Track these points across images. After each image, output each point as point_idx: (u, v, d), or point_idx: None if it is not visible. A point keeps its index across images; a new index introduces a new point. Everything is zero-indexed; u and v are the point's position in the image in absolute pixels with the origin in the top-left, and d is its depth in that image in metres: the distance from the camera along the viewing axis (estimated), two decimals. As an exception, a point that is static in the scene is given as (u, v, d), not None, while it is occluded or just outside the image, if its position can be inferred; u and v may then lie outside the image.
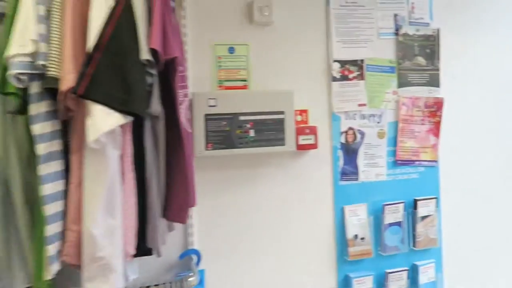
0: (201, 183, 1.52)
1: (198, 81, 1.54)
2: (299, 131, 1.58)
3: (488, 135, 1.87)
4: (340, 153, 1.67)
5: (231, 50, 1.58)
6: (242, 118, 1.50)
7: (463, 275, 1.81)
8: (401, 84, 1.73)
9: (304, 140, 1.59)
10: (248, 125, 1.50)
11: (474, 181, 1.84)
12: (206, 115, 1.46)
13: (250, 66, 1.59)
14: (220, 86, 1.57)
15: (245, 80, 1.59)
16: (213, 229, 1.55)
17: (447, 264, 1.78)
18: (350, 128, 1.68)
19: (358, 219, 1.67)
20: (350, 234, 1.65)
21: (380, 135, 1.71)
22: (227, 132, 1.48)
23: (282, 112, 1.53)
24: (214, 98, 1.48)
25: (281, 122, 1.53)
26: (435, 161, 1.77)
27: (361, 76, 1.68)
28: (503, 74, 1.89)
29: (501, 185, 1.89)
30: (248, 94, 1.54)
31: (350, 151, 1.68)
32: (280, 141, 1.53)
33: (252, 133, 1.50)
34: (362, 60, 1.68)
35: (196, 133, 1.45)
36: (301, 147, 1.58)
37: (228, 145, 1.48)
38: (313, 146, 1.60)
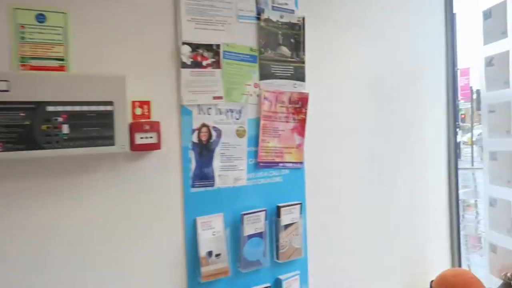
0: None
1: (-15, 56, 1.11)
2: (136, 128, 1.26)
3: (353, 133, 1.78)
4: (191, 155, 1.39)
5: (41, 18, 1.18)
6: (50, 108, 1.12)
7: (329, 284, 1.69)
8: (263, 76, 1.52)
9: (142, 138, 1.27)
10: (60, 119, 1.13)
11: (339, 183, 1.73)
12: (-7, 103, 1.05)
13: (69, 42, 1.21)
14: (23, 65, 1.16)
15: (62, 60, 1.21)
16: (8, 260, 1.13)
17: (313, 274, 1.64)
18: (204, 125, 1.41)
19: (212, 233, 1.41)
20: (203, 251, 1.39)
21: (240, 133, 1.48)
22: (27, 128, 1.09)
23: (110, 103, 1.19)
24: (5, 80, 1.07)
25: (109, 115, 1.19)
26: (301, 162, 1.61)
27: (217, 64, 1.42)
28: (371, 69, 1.83)
29: (367, 186, 1.83)
30: (60, 78, 1.15)
31: (204, 152, 1.41)
32: (108, 140, 1.19)
33: (65, 129, 1.13)
34: (218, 45, 1.43)
35: (-26, 128, 1.03)
36: (139, 147, 1.26)
37: (28, 145, 1.09)
38: (156, 146, 1.30)
